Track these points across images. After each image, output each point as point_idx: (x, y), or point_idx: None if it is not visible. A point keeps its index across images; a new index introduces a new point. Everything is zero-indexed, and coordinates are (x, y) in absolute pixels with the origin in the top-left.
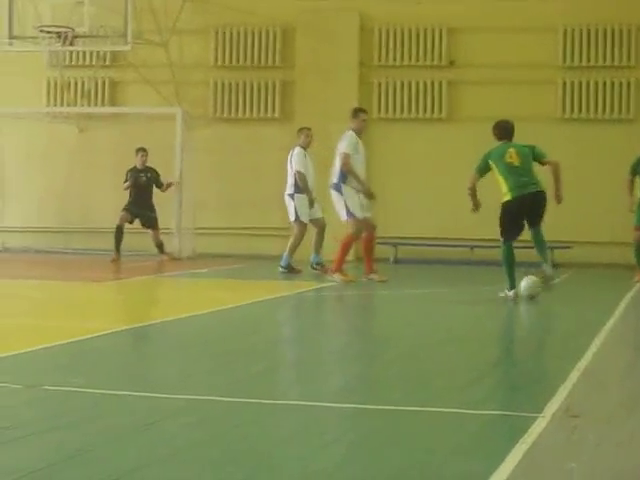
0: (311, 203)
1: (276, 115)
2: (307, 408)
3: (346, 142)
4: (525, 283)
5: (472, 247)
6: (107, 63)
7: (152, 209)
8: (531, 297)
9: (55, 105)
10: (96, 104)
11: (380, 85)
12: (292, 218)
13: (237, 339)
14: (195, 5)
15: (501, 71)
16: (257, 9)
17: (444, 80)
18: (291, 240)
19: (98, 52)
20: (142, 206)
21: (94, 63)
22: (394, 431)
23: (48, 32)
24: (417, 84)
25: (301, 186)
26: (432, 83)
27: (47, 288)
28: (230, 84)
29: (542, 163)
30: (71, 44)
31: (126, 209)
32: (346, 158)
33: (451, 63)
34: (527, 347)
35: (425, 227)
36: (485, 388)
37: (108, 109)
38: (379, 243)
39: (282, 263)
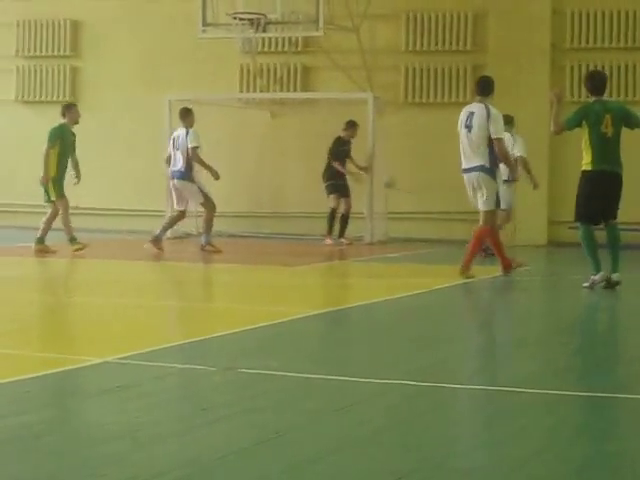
0: None
1: (467, 100)
2: (499, 394)
3: (499, 125)
4: None
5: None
6: (299, 49)
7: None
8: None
9: (248, 91)
10: (288, 90)
11: (572, 68)
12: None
13: (427, 324)
14: None
15: None
16: None
17: (638, 62)
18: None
19: (290, 38)
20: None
21: (286, 49)
22: (588, 418)
23: (241, 19)
24: (610, 67)
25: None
26: (626, 66)
27: (240, 272)
28: (421, 69)
29: (633, 127)
30: (264, 30)
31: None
32: (501, 143)
33: None
34: None
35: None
36: None
37: (300, 95)
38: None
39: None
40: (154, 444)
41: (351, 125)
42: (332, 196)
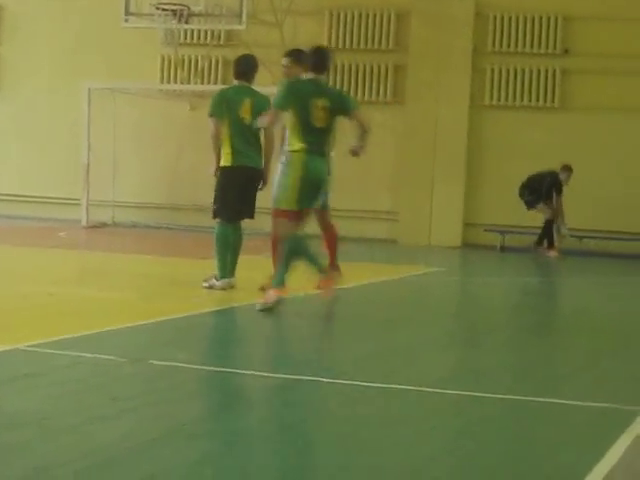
0: None
1: (387, 99)
2: (413, 393)
3: None
4: None
5: (581, 237)
6: (221, 42)
7: None
8: None
9: (169, 82)
10: (209, 82)
11: (493, 71)
12: None
13: (344, 322)
14: None
15: (616, 61)
16: None
17: (558, 68)
18: None
19: (213, 31)
20: None
21: (208, 42)
22: (499, 420)
23: (164, 10)
24: (530, 72)
25: None
26: (545, 71)
27: (154, 264)
28: (343, 66)
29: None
30: (186, 22)
31: None
32: None
33: (565, 51)
34: (637, 339)
35: (532, 216)
36: (590, 379)
37: (221, 88)
38: (488, 230)
39: None
40: (61, 433)
41: None
42: None
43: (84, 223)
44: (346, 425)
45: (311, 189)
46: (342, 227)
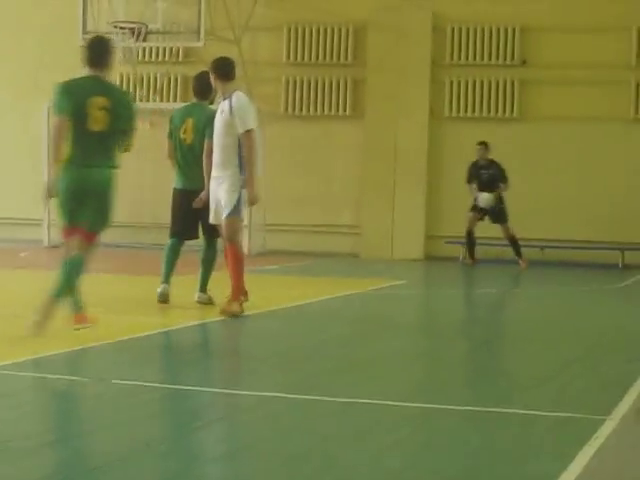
0: None
1: (347, 113)
2: (375, 407)
3: None
4: None
5: (543, 247)
6: (180, 59)
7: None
8: None
9: None
10: (168, 100)
11: (452, 84)
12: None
13: (306, 336)
14: (267, 2)
15: (574, 71)
16: (329, 6)
17: (516, 79)
18: None
19: (171, 48)
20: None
21: (167, 59)
22: (462, 432)
23: (121, 28)
24: (489, 83)
25: None
26: (504, 82)
27: (117, 282)
28: (302, 81)
29: None
30: (144, 40)
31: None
32: None
33: (523, 62)
34: (599, 348)
35: (494, 227)
36: (554, 389)
37: (180, 105)
38: (450, 242)
39: None
40: (23, 456)
41: None
42: None
43: (46, 243)
44: (310, 440)
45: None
46: (304, 242)
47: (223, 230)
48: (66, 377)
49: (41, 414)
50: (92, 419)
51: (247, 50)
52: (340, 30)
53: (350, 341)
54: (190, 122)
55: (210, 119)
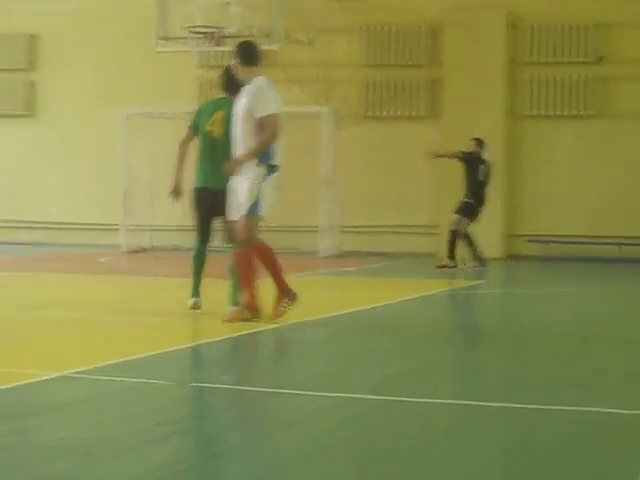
0: None
1: (424, 113)
2: (458, 407)
3: None
4: None
5: (620, 245)
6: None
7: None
8: None
9: None
10: None
11: (530, 82)
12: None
13: (386, 337)
14: (342, 4)
15: None
16: (405, 7)
17: (593, 76)
18: None
19: None
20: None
21: None
22: (549, 431)
23: (197, 33)
24: (565, 80)
25: None
26: (581, 79)
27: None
28: (378, 82)
29: None
30: (219, 44)
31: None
32: None
33: (600, 59)
34: None
35: (574, 224)
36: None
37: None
38: (531, 241)
39: None
40: (106, 461)
41: None
42: None
43: (124, 248)
44: (396, 440)
45: None
46: (381, 243)
47: (237, 229)
48: (145, 380)
49: (123, 419)
50: (171, 423)
51: (323, 52)
52: (415, 30)
53: (430, 342)
54: (220, 114)
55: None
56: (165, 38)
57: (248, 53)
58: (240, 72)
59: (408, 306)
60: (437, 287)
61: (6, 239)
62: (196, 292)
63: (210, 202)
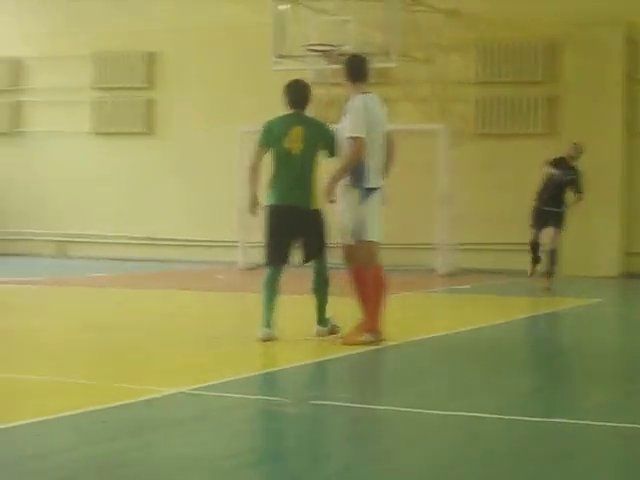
0: None
1: (541, 130)
2: (577, 427)
3: None
4: None
5: None
6: (372, 80)
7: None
8: None
9: None
10: None
11: None
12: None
13: (505, 356)
14: (456, 21)
15: None
16: (520, 24)
17: None
18: None
19: None
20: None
21: None
22: None
23: (314, 51)
24: None
25: None
26: None
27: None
28: (495, 99)
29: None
30: (336, 62)
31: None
32: None
33: None
34: None
35: None
36: None
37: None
38: None
39: None
40: (231, 475)
41: None
42: None
43: (240, 265)
44: (511, 460)
45: None
46: (499, 260)
47: (359, 253)
48: (265, 397)
49: (241, 434)
50: (291, 440)
51: (438, 69)
52: (531, 47)
53: (550, 360)
54: (299, 131)
55: (321, 128)
56: (282, 56)
57: (354, 68)
58: (346, 87)
59: (522, 324)
60: (552, 306)
61: (128, 255)
62: (267, 322)
63: (290, 220)
